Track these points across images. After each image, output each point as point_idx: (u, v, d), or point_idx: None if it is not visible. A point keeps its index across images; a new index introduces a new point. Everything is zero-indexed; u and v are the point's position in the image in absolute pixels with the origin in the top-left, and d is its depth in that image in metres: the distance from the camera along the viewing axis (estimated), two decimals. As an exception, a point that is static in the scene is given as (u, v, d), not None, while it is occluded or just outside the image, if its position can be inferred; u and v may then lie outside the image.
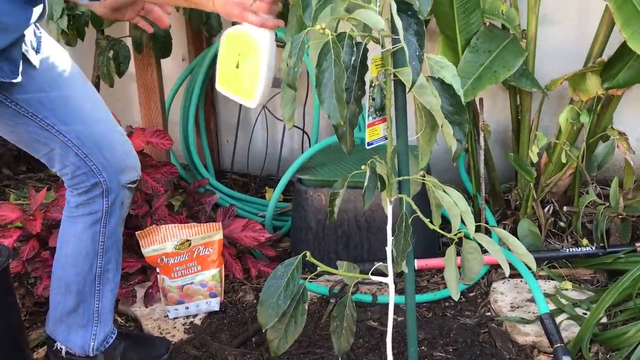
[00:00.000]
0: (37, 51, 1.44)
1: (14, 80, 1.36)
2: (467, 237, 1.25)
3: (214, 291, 1.97)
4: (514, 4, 2.11)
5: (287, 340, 1.25)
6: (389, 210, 1.29)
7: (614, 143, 2.15)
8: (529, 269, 1.69)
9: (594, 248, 2.02)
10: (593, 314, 1.72)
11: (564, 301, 1.87)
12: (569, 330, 1.77)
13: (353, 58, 1.06)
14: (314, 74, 1.06)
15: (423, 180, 1.26)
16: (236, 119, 2.83)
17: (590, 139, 2.14)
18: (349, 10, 1.12)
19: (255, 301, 2.02)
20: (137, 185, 1.62)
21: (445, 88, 1.13)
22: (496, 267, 2.09)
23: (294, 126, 2.73)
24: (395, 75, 1.17)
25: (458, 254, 1.30)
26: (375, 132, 1.27)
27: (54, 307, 1.64)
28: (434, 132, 1.25)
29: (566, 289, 1.95)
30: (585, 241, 2.10)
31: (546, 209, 2.22)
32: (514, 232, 2.19)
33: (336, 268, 1.37)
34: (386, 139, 1.26)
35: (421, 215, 1.25)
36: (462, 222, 1.22)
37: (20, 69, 1.37)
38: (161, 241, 1.92)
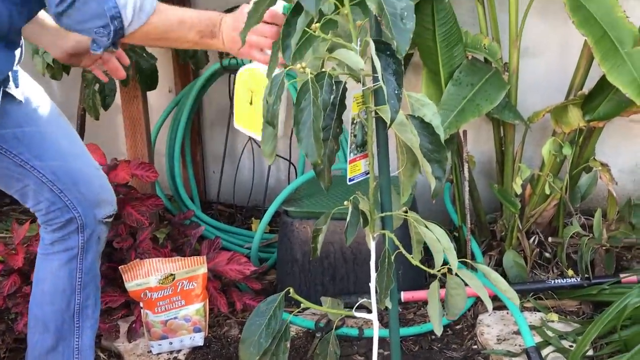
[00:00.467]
0: (16, 85, 1.44)
1: None
2: (450, 272, 1.25)
3: (198, 326, 1.95)
4: (496, 37, 2.14)
5: (269, 379, 1.24)
6: (372, 245, 1.29)
7: (596, 174, 2.16)
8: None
9: (579, 279, 2.02)
10: (579, 346, 1.71)
11: (550, 333, 1.87)
12: (556, 363, 1.76)
13: (332, 96, 1.07)
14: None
15: (405, 216, 1.26)
16: (223, 149, 2.84)
17: (573, 171, 2.15)
18: (331, 50, 1.13)
19: (240, 336, 1.99)
20: (114, 217, 1.61)
21: (424, 126, 1.14)
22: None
23: (281, 157, 2.75)
24: (376, 113, 1.18)
25: (443, 286, 1.30)
26: (356, 168, 1.28)
27: (32, 346, 1.61)
28: (415, 168, 1.26)
29: (552, 321, 1.95)
30: (570, 272, 2.10)
31: (531, 240, 2.22)
32: (499, 263, 2.19)
33: (321, 302, 1.37)
34: (367, 174, 1.27)
35: (404, 251, 1.25)
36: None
37: None
38: (145, 275, 1.91)
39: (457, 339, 1.96)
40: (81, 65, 1.61)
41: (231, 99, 2.76)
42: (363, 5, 1.08)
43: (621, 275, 2.00)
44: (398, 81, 1.05)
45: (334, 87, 1.06)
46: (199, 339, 1.95)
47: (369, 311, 1.33)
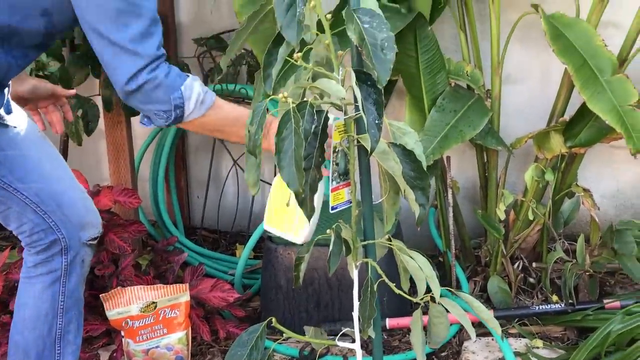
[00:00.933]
0: (7, 112, 1.46)
1: None
2: (434, 300, 1.25)
3: (180, 355, 1.92)
4: (478, 64, 2.17)
5: (251, 410, 1.21)
6: (354, 275, 1.28)
7: (579, 200, 2.18)
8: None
9: (563, 305, 2.02)
10: (564, 374, 1.70)
11: (535, 360, 1.86)
12: (541, 390, 1.75)
13: (314, 125, 1.07)
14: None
15: (389, 244, 1.26)
16: (207, 174, 2.83)
17: (556, 196, 2.17)
18: (313, 79, 1.14)
19: (223, 364, 1.97)
20: (97, 243, 1.59)
21: (406, 154, 1.14)
22: (467, 325, 2.08)
23: (266, 182, 2.74)
24: (358, 141, 1.19)
25: (426, 313, 1.30)
26: (339, 196, 1.27)
27: (12, 375, 1.58)
28: (398, 196, 1.26)
29: (537, 347, 1.94)
30: (555, 297, 2.10)
31: (516, 265, 2.22)
32: (484, 288, 2.19)
33: (304, 331, 1.35)
34: (350, 203, 1.27)
35: (387, 280, 1.24)
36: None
37: None
38: (126, 304, 1.88)
39: (443, 366, 1.95)
40: (25, 109, 1.62)
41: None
42: (344, 35, 1.09)
43: (605, 301, 2.00)
44: (378, 111, 1.05)
45: (315, 117, 1.06)
46: (181, 368, 1.92)
47: (353, 340, 1.32)
